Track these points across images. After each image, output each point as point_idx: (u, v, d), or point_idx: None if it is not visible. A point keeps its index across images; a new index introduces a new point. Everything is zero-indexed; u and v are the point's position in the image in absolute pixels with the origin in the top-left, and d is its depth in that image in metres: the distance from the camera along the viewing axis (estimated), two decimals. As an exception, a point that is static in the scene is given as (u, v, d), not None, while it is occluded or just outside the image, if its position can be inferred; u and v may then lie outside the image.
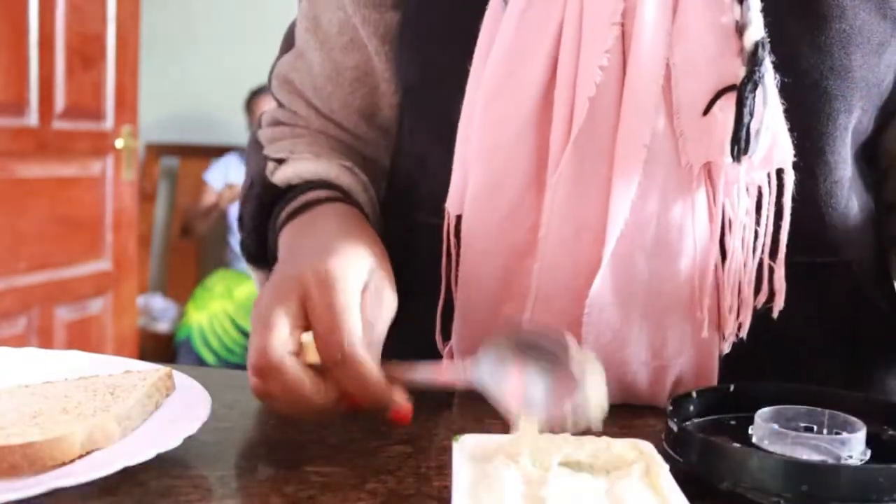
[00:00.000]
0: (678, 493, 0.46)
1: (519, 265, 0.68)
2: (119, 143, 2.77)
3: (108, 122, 2.73)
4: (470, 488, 0.46)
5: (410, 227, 0.76)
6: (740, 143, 0.62)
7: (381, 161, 0.84)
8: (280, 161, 0.78)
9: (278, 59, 0.84)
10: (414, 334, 0.74)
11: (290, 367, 0.55)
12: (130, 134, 2.81)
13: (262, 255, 0.79)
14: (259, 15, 3.75)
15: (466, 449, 0.51)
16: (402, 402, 0.57)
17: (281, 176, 0.77)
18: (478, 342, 0.70)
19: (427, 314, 0.73)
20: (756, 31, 0.62)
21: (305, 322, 0.57)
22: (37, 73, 2.43)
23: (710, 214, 0.65)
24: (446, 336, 0.72)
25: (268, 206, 0.77)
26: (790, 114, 0.63)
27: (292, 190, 0.76)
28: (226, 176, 3.76)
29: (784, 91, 0.63)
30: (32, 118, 2.44)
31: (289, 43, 0.84)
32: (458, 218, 0.69)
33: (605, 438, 0.51)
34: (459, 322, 0.70)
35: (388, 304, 0.62)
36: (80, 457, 0.51)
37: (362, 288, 0.59)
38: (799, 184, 0.65)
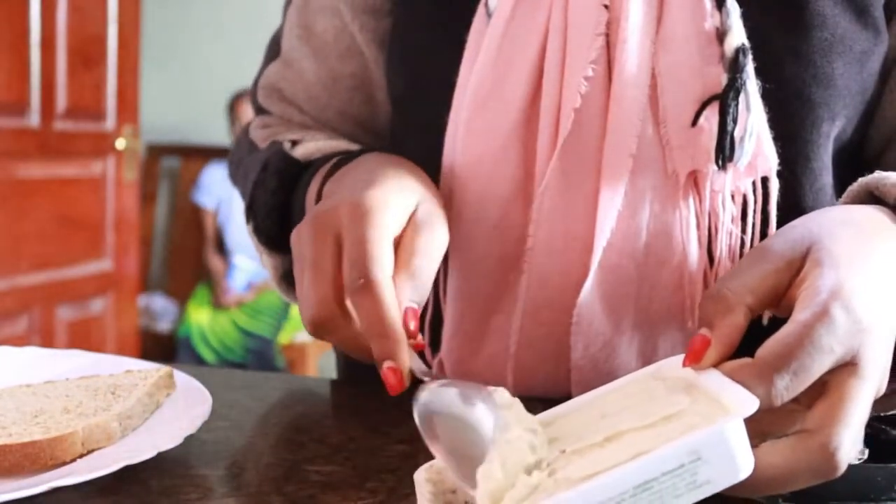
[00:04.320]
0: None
1: (507, 277, 0.67)
2: (120, 144, 2.77)
3: (110, 123, 2.74)
4: None
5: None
6: (725, 151, 0.62)
7: None
8: (295, 142, 0.75)
9: (263, 68, 0.83)
10: None
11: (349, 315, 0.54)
12: (131, 134, 2.81)
13: (282, 237, 0.73)
14: (261, 16, 3.75)
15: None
16: (403, 360, 0.50)
17: (303, 151, 0.73)
18: (467, 355, 0.70)
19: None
20: (737, 37, 0.61)
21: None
22: (38, 73, 2.43)
23: (698, 223, 0.64)
24: (435, 348, 0.71)
25: (289, 181, 0.73)
26: (774, 122, 0.63)
27: (314, 165, 0.73)
28: (218, 191, 3.74)
29: (767, 99, 0.63)
30: (34, 118, 2.44)
31: (274, 52, 0.82)
32: None
33: None
34: (449, 334, 0.70)
35: (438, 237, 0.58)
36: (81, 456, 0.52)
37: (406, 219, 0.57)
38: (784, 191, 0.64)
